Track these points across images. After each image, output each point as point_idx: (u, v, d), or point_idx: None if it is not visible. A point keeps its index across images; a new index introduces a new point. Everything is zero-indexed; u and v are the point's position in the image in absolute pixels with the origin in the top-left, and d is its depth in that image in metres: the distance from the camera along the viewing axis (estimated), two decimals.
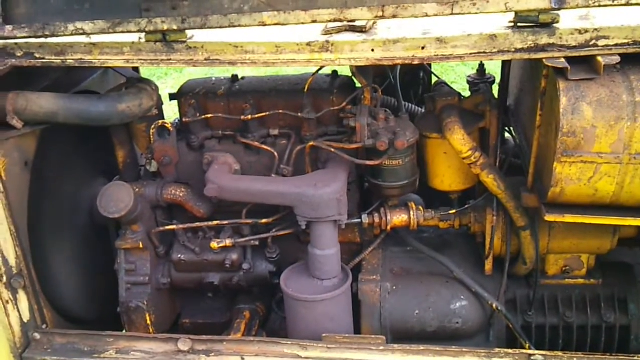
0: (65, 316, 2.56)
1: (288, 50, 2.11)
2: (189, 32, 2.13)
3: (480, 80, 2.82)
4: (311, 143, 2.33)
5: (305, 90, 2.36)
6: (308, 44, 2.09)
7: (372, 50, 2.07)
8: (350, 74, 2.52)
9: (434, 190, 2.51)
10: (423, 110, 2.65)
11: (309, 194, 2.18)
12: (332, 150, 2.29)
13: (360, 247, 2.61)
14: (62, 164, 2.58)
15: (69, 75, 2.72)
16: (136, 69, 2.97)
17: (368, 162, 2.26)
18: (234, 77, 2.64)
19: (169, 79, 7.16)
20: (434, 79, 3.04)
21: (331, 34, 2.12)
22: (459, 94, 2.45)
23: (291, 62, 2.12)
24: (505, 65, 2.53)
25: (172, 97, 2.73)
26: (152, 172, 2.59)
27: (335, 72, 2.56)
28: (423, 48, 2.04)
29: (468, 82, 2.87)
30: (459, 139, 2.22)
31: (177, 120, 2.69)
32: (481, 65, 2.82)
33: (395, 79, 2.57)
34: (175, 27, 2.09)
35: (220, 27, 2.09)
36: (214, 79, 2.70)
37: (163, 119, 2.58)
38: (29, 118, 2.24)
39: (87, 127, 2.36)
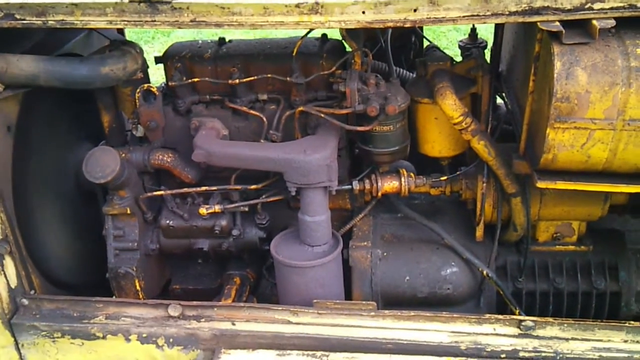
0: (53, 281, 2.55)
1: (276, 12, 2.05)
2: None
3: (472, 45, 2.77)
4: (300, 108, 2.29)
5: (294, 53, 2.31)
6: (297, 6, 2.02)
7: (363, 12, 2.01)
8: (340, 38, 2.47)
9: (425, 157, 2.48)
10: (414, 76, 2.60)
11: (299, 159, 2.15)
12: (322, 115, 2.24)
13: (350, 213, 2.59)
14: (46, 128, 2.53)
15: (51, 37, 2.65)
16: (121, 32, 2.89)
17: (358, 128, 2.22)
18: (221, 40, 2.58)
19: (155, 42, 7.04)
20: (426, 43, 2.99)
21: None
22: (451, 58, 2.40)
23: (279, 24, 2.05)
24: (498, 29, 2.47)
25: (157, 60, 2.67)
26: (139, 137, 2.54)
27: (324, 35, 2.50)
28: (415, 10, 1.99)
29: (460, 47, 2.82)
30: (450, 104, 2.18)
31: (163, 84, 2.63)
32: (473, 30, 2.77)
33: (386, 42, 2.51)
34: None
35: None
36: (200, 42, 2.63)
37: (149, 82, 2.52)
38: (9, 81, 2.18)
39: (71, 91, 2.30)
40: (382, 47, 2.59)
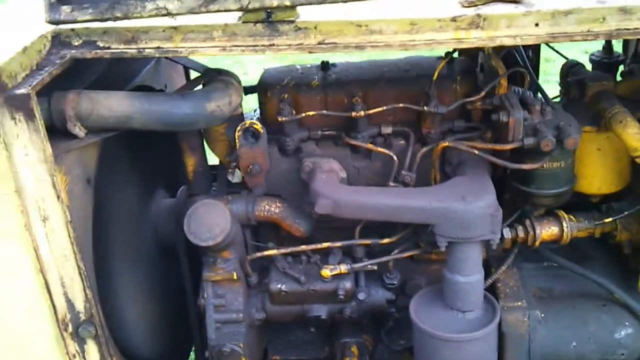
0: (133, 359, 2.11)
1: (426, 29, 1.67)
2: (298, 10, 1.68)
3: (608, 59, 2.39)
4: (445, 143, 1.88)
5: (435, 77, 1.91)
6: (453, 20, 1.65)
7: (536, 24, 1.64)
8: (457, 55, 2.10)
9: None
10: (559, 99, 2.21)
11: (457, 209, 1.74)
12: (475, 152, 1.84)
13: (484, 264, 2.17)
14: (123, 177, 2.11)
15: (115, 68, 2.24)
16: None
17: (524, 167, 1.82)
18: (325, 64, 2.18)
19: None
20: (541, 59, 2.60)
21: (476, 5, 1.67)
22: (614, 77, 2.01)
23: (433, 43, 1.67)
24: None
25: (249, 90, 2.27)
26: (234, 183, 2.13)
27: (449, 53, 2.10)
28: (603, 20, 1.62)
29: (592, 61, 2.44)
30: (634, 134, 1.79)
31: (257, 119, 2.22)
32: (608, 42, 2.39)
33: (526, 58, 2.11)
34: (283, 3, 1.63)
35: (334, 1, 1.65)
36: (299, 67, 2.23)
37: (244, 119, 2.11)
38: (95, 124, 1.76)
39: (152, 132, 1.89)
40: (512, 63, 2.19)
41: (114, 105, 1.74)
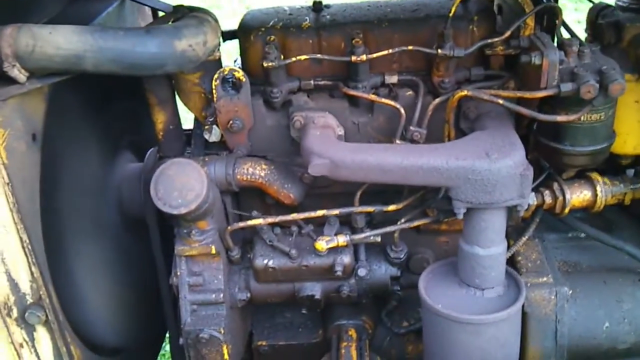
0: (95, 348, 1.80)
1: None
2: None
3: (636, 3, 2.09)
4: (463, 92, 1.58)
5: (451, 14, 1.60)
6: None
7: None
8: None
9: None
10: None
11: (480, 168, 1.45)
12: (501, 102, 1.54)
13: None
14: (78, 135, 1.78)
15: (72, 9, 1.91)
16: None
17: (560, 118, 1.53)
18: (317, 4, 1.86)
19: None
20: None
21: None
22: None
23: None
24: None
25: (227, 35, 1.94)
26: (211, 142, 1.81)
27: None
28: None
29: (619, 6, 2.14)
30: None
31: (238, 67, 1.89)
32: None
33: None
34: None
35: None
36: (287, 7, 1.90)
37: (222, 66, 1.79)
38: (38, 65, 1.43)
39: (109, 79, 1.56)
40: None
41: (61, 42, 1.41)
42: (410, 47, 1.64)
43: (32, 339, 1.56)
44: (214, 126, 1.77)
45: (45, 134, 1.56)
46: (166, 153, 1.89)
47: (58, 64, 1.43)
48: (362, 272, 1.74)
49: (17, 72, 1.41)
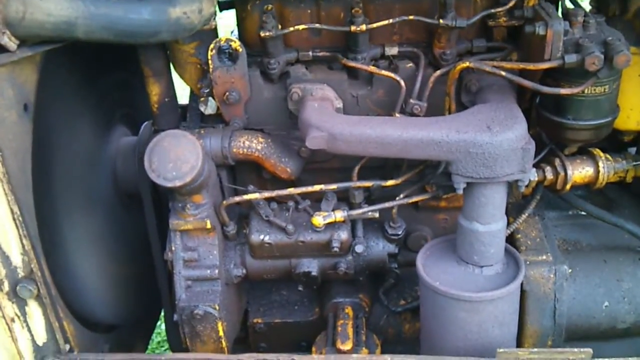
0: (89, 324, 1.78)
1: None
2: None
3: None
4: (465, 64, 1.54)
5: None
6: None
7: None
8: None
9: None
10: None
11: (481, 141, 1.42)
12: (503, 74, 1.50)
13: None
14: (71, 106, 1.74)
15: None
16: None
17: (564, 91, 1.49)
18: None
19: None
20: None
21: None
22: None
23: None
24: None
25: (224, 5, 1.90)
26: (207, 115, 1.78)
27: None
28: None
29: None
30: None
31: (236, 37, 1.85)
32: None
33: None
34: None
35: None
36: None
37: (218, 36, 1.75)
38: (29, 32, 1.39)
39: (102, 47, 1.52)
40: None
41: (52, 8, 1.36)
42: (411, 17, 1.60)
43: (24, 314, 1.53)
44: (210, 98, 1.73)
45: (37, 104, 1.52)
46: (161, 126, 1.85)
47: (49, 31, 1.39)
48: (359, 248, 1.71)
49: (7, 40, 1.37)
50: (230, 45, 1.64)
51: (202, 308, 1.65)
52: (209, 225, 1.62)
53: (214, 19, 1.65)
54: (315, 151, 1.63)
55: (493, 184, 1.48)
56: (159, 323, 2.61)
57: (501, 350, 1.48)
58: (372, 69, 1.64)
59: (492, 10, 1.60)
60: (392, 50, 1.69)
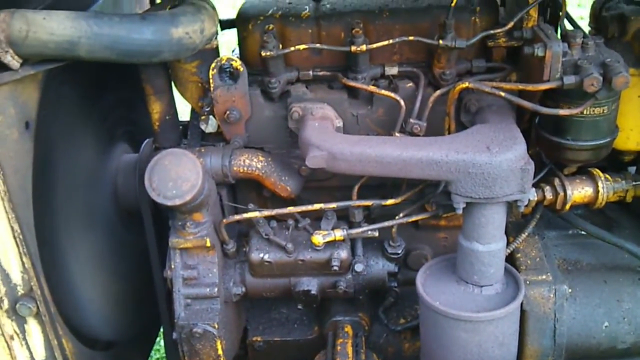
0: (86, 341, 1.78)
1: None
2: None
3: None
4: (464, 84, 1.55)
5: (453, 4, 1.57)
6: None
7: None
8: None
9: None
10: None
11: (481, 161, 1.42)
12: (502, 94, 1.51)
13: None
14: (73, 124, 1.75)
15: None
16: None
17: (562, 112, 1.50)
18: None
19: None
20: None
21: None
22: None
23: None
24: None
25: (225, 24, 1.92)
26: (208, 134, 1.79)
27: None
28: None
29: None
30: None
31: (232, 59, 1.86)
32: None
33: None
34: None
35: None
36: None
37: (219, 55, 1.76)
38: (31, 52, 1.40)
39: (103, 67, 1.54)
40: None
41: (55, 27, 1.38)
42: (411, 38, 1.62)
43: (23, 331, 1.53)
44: (211, 116, 1.75)
45: (38, 122, 1.53)
46: (162, 144, 1.86)
47: (52, 50, 1.40)
48: (359, 267, 1.71)
49: (10, 59, 1.39)
50: (232, 65, 1.66)
51: (202, 326, 1.65)
52: (208, 244, 1.62)
53: (216, 38, 1.67)
54: (315, 170, 1.63)
55: (492, 204, 1.48)
56: (158, 339, 2.60)
57: None
58: (372, 88, 1.65)
59: (492, 31, 1.62)
60: (392, 70, 1.70)
